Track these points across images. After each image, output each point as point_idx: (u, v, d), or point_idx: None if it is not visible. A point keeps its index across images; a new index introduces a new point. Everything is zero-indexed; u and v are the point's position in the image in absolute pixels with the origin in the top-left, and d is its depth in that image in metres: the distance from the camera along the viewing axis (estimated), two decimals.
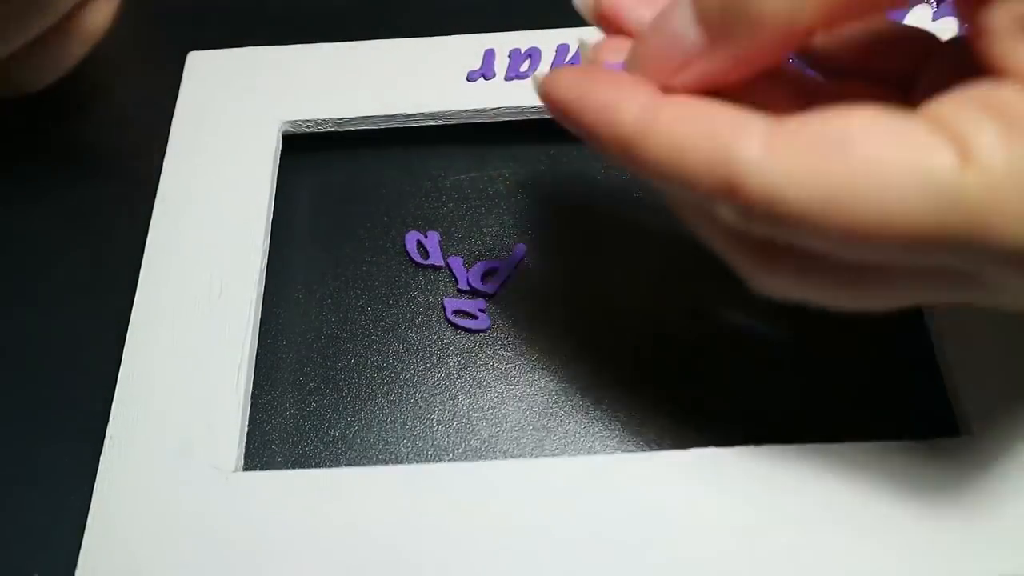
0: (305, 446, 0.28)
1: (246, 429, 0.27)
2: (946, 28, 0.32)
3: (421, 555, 0.24)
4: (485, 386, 0.29)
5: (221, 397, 0.27)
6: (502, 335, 0.30)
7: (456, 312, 0.30)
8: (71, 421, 0.29)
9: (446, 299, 0.31)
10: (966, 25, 0.19)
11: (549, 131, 0.33)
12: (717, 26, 0.19)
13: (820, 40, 0.23)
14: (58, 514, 0.27)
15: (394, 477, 0.26)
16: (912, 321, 0.30)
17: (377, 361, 0.30)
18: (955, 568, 0.24)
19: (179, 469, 0.26)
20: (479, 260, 0.31)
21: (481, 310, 0.30)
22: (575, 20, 0.35)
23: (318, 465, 0.28)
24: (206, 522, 0.25)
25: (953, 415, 0.27)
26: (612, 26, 0.24)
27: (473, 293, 0.31)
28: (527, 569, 0.24)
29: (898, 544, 0.24)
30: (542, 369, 0.29)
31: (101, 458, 0.26)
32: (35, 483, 0.28)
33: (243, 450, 0.27)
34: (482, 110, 0.33)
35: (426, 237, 0.32)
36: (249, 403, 0.28)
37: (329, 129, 0.33)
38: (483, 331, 0.30)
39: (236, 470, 0.26)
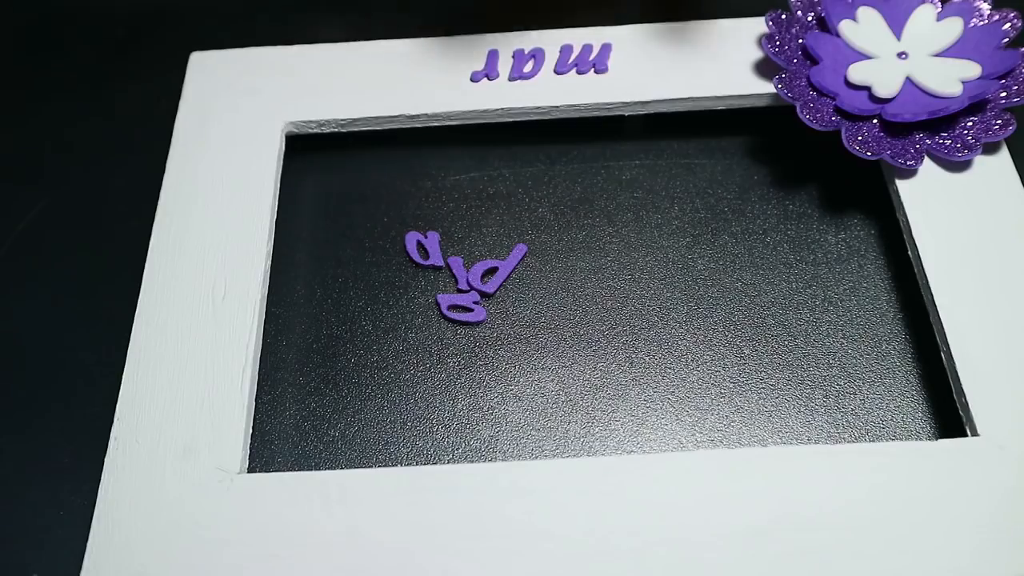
0: (305, 446, 0.28)
1: (250, 431, 0.27)
2: (950, 28, 0.32)
3: (423, 556, 0.24)
4: (485, 386, 0.29)
5: (226, 399, 0.27)
6: (502, 335, 0.30)
7: (451, 307, 0.30)
8: (75, 422, 0.29)
9: (439, 295, 0.31)
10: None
11: (549, 131, 0.34)
12: None
13: None
14: (59, 515, 0.27)
15: (398, 479, 0.26)
16: (919, 321, 0.29)
17: (377, 361, 0.30)
18: (963, 570, 0.24)
19: (184, 471, 0.26)
20: (479, 260, 0.31)
21: (476, 302, 0.30)
22: (578, 21, 0.35)
23: (318, 466, 0.28)
24: (212, 524, 0.25)
25: (960, 416, 0.27)
26: None
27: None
28: (527, 570, 0.24)
29: (905, 546, 0.24)
30: (542, 369, 0.29)
31: (106, 459, 0.26)
32: (38, 484, 0.28)
33: (248, 452, 0.27)
34: (485, 111, 0.33)
35: (426, 237, 0.32)
36: (253, 405, 0.28)
37: (332, 130, 0.33)
38: (480, 323, 0.30)
39: (241, 472, 0.26)
